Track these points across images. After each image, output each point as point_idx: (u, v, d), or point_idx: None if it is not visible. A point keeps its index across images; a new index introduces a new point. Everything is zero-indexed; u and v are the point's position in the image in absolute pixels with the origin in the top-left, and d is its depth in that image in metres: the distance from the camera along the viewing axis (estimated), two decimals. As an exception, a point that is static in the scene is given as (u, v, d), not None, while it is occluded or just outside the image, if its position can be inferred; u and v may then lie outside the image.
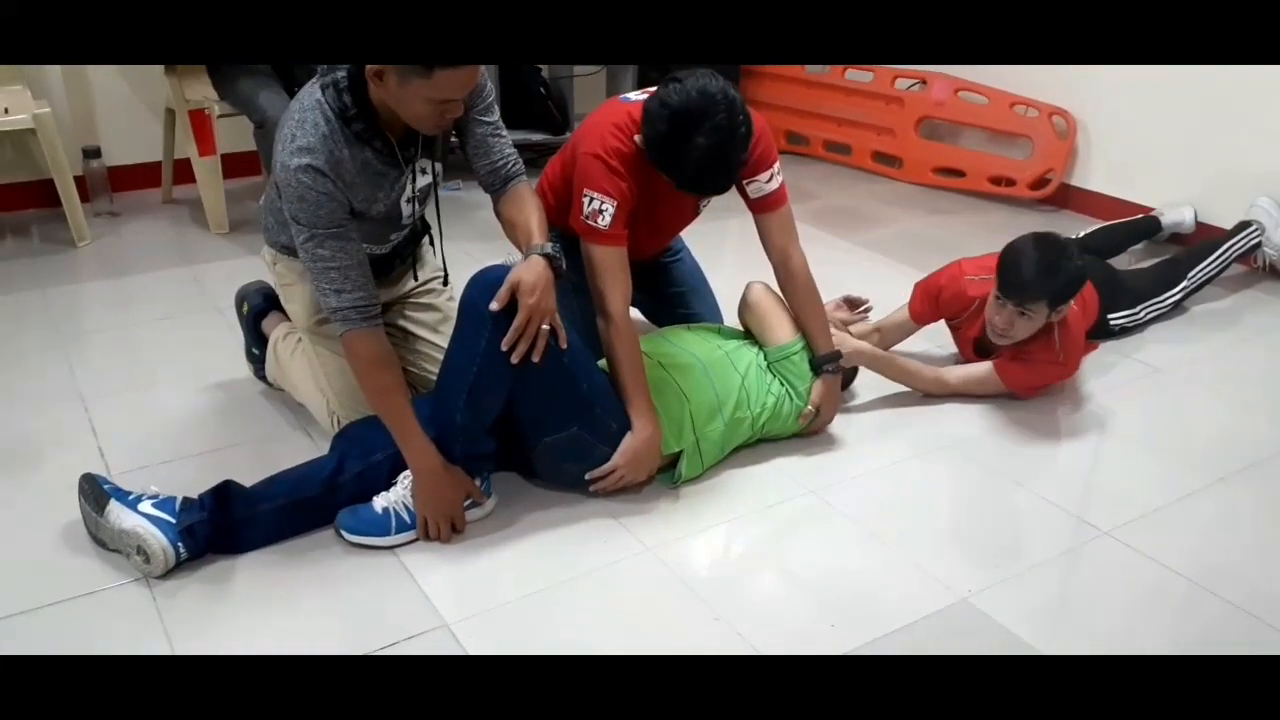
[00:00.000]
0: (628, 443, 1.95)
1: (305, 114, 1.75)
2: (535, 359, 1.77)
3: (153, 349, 2.61)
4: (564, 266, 1.83)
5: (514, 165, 1.98)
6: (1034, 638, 1.69)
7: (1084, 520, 2.02)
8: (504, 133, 1.97)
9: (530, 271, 1.75)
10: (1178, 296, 2.94)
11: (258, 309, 2.30)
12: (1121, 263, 3.19)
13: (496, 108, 1.95)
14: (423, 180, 1.94)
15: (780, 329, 2.19)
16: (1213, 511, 2.07)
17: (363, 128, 1.76)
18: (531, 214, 1.91)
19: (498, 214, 1.99)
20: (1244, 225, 3.12)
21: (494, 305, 1.73)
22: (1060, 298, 2.27)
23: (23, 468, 2.06)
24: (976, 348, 2.50)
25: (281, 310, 2.25)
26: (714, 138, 1.84)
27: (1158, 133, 3.58)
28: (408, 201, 1.93)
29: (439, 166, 1.97)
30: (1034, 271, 2.22)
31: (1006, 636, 1.69)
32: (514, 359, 1.75)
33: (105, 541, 1.78)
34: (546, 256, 1.79)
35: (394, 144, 1.81)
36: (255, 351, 2.33)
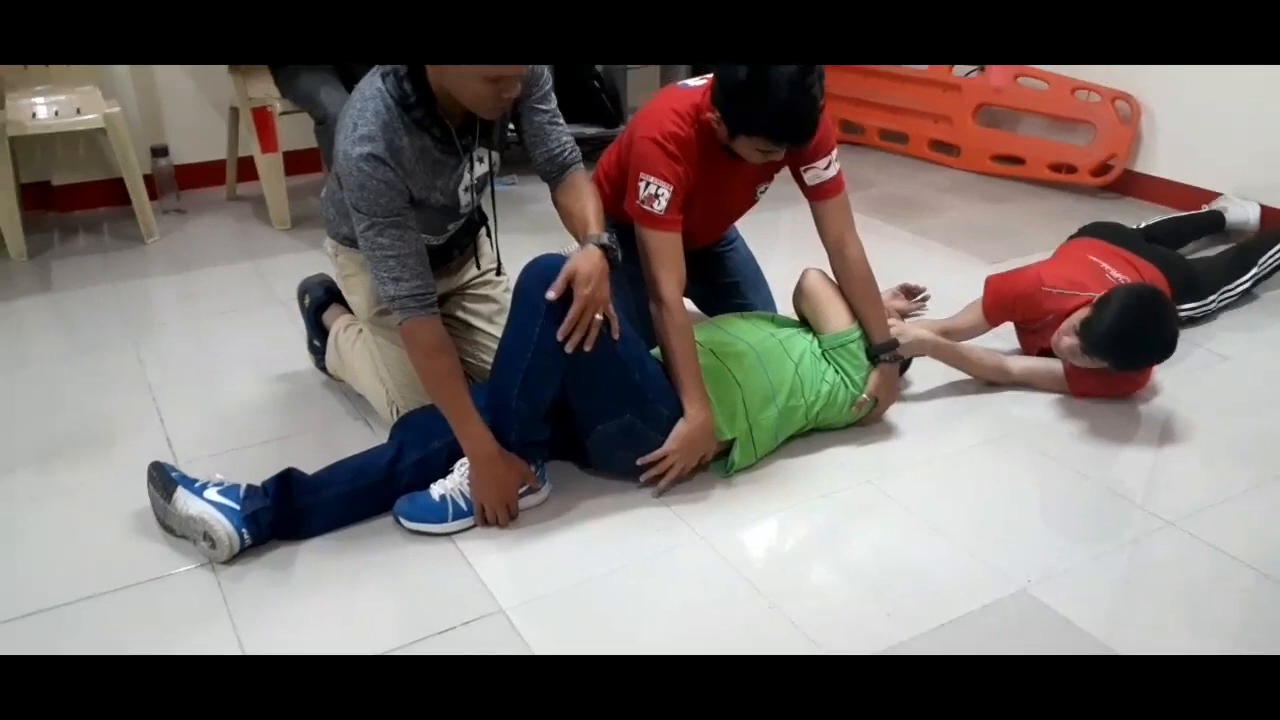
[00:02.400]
0: (680, 429, 1.95)
1: (366, 103, 1.78)
2: (588, 348, 1.78)
3: (218, 341, 2.68)
4: (619, 257, 1.84)
5: (570, 153, 1.99)
6: (1095, 629, 1.66)
7: (1149, 511, 1.97)
8: (561, 121, 1.98)
9: (586, 262, 1.77)
10: (1248, 284, 2.86)
11: (319, 301, 2.35)
12: (1187, 251, 3.12)
13: (553, 96, 1.97)
14: (480, 169, 1.96)
15: (836, 317, 2.17)
16: (1284, 503, 2.02)
17: (422, 114, 1.78)
18: (589, 203, 1.92)
19: (555, 203, 2.00)
20: (1316, 209, 3.03)
21: (550, 295, 1.75)
22: (1123, 365, 2.26)
23: (95, 455, 2.13)
24: (1041, 353, 2.46)
25: (343, 303, 2.29)
26: (794, 74, 1.82)
27: (1224, 116, 3.47)
28: (465, 190, 1.95)
29: (496, 156, 1.99)
30: (1117, 335, 2.18)
31: (1066, 627, 1.66)
32: (568, 349, 1.77)
33: (173, 528, 1.83)
34: (602, 247, 1.81)
35: (452, 131, 1.83)
36: (316, 343, 2.37)
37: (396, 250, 1.79)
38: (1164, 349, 2.26)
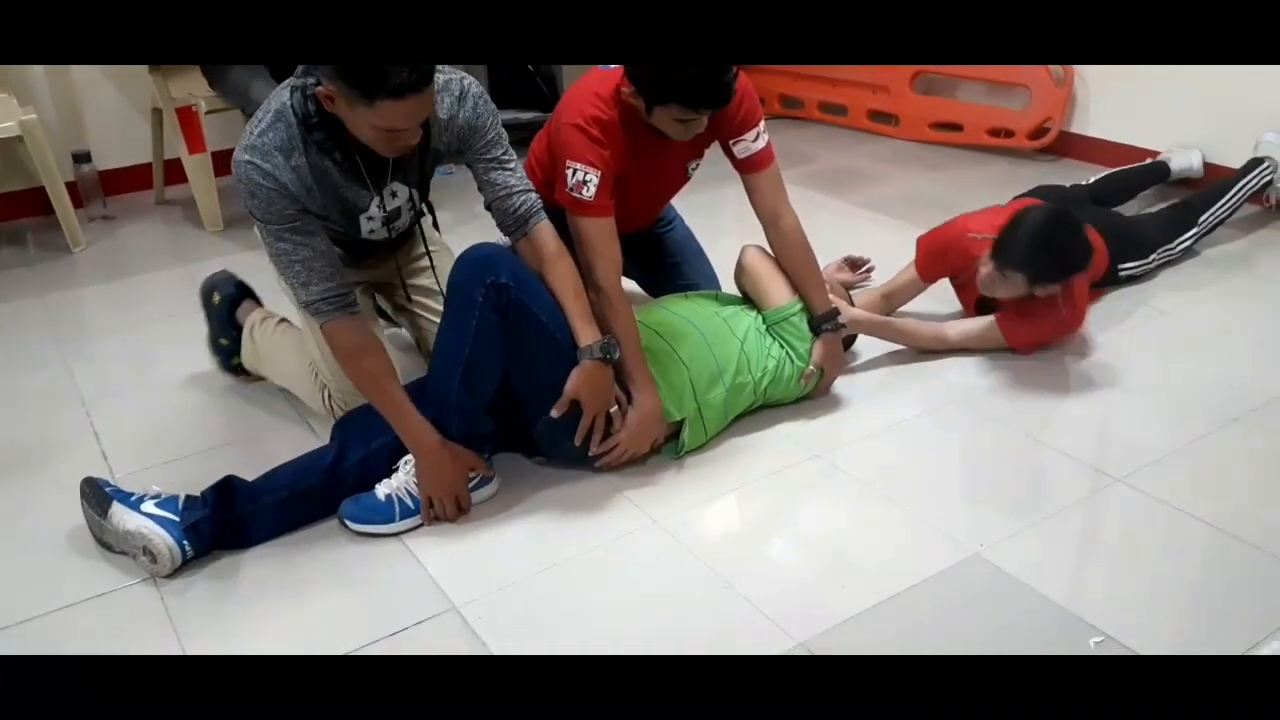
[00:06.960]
0: (630, 417, 1.93)
1: (269, 114, 1.71)
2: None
3: (152, 350, 2.60)
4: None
5: (525, 205, 1.88)
6: (1049, 590, 1.66)
7: (1096, 468, 1.99)
8: (511, 163, 1.87)
9: (587, 383, 1.85)
10: (1189, 241, 2.88)
11: (231, 297, 2.29)
12: (1130, 208, 3.14)
13: (503, 143, 1.86)
14: (394, 203, 1.89)
15: (777, 291, 2.16)
16: (1227, 454, 2.04)
17: (323, 137, 1.71)
18: (568, 291, 1.86)
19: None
20: (1254, 163, 3.04)
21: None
22: (1041, 277, 2.24)
23: (27, 474, 2.06)
24: (979, 307, 2.46)
25: (254, 298, 2.25)
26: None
27: (1158, 74, 3.50)
28: (369, 219, 1.88)
29: (417, 194, 1.93)
30: (1024, 242, 2.20)
31: (1020, 589, 1.67)
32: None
33: (111, 544, 1.78)
34: (598, 359, 1.85)
35: (358, 160, 1.76)
36: (224, 342, 2.31)
37: (300, 255, 1.74)
38: (1075, 253, 2.26)
